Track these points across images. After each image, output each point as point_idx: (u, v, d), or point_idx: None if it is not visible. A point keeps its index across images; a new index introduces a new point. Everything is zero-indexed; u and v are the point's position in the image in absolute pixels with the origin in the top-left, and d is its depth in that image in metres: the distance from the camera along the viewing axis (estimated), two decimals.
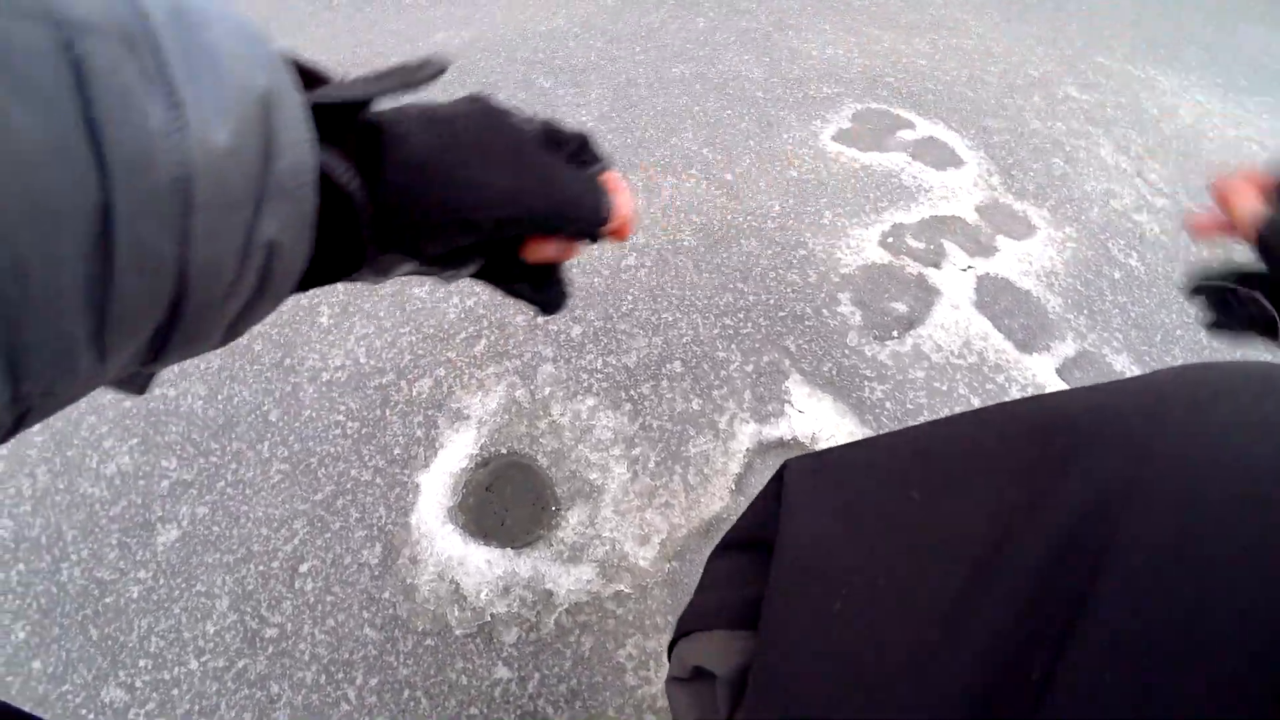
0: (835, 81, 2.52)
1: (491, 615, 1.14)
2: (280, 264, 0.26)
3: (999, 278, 1.76)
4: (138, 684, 1.14)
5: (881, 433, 0.55)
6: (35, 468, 1.45)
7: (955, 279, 1.73)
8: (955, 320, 1.63)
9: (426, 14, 3.26)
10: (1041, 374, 1.55)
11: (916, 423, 1.26)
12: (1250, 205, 0.39)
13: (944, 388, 1.49)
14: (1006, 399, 1.48)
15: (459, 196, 0.32)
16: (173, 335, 0.24)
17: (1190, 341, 1.67)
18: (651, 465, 1.31)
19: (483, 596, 1.16)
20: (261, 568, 1.25)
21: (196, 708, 1.11)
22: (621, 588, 1.16)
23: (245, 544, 1.28)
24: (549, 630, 1.12)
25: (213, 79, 0.21)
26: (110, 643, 1.18)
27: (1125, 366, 1.59)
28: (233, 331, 0.27)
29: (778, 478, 0.51)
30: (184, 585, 1.24)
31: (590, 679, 1.07)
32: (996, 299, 1.70)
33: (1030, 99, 2.57)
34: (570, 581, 1.17)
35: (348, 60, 2.90)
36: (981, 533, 0.33)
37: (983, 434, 0.39)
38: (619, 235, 0.39)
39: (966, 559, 0.33)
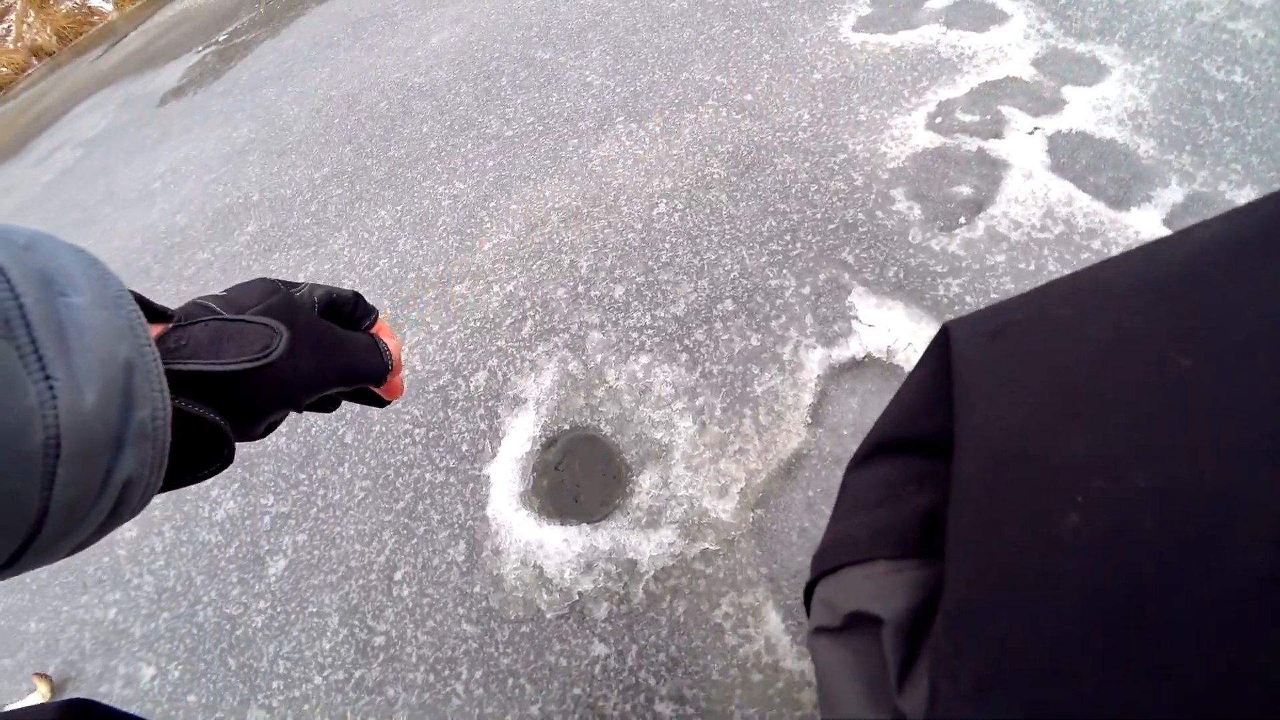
0: None
1: (579, 594, 1.11)
2: (134, 494, 0.30)
3: (1074, 132, 1.54)
4: (274, 704, 1.21)
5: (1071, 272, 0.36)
6: (161, 526, 1.57)
7: (1022, 145, 1.54)
8: (1031, 191, 1.44)
9: (419, 22, 3.26)
10: (1146, 229, 1.35)
11: None
12: None
13: (1031, 267, 1.32)
14: None
15: (282, 399, 0.41)
16: (22, 557, 0.27)
17: None
18: (718, 413, 1.23)
19: (567, 576, 1.13)
20: (361, 582, 1.28)
21: (327, 719, 1.14)
22: (707, 545, 1.09)
23: (344, 562, 1.33)
24: (639, 600, 1.07)
25: (80, 351, 0.26)
26: (247, 670, 1.27)
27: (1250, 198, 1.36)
28: (81, 547, 0.30)
29: (938, 350, 0.38)
30: (298, 609, 1.30)
31: (689, 644, 1.01)
32: (1075, 157, 1.49)
33: None
34: (652, 547, 1.11)
35: (357, 87, 2.94)
36: None
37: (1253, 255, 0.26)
38: (395, 370, 0.49)
39: None
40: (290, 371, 0.40)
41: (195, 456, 0.38)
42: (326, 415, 1.68)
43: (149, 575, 1.49)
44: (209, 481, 1.61)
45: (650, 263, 1.51)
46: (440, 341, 1.61)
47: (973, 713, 0.26)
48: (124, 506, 0.30)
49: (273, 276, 0.44)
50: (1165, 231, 1.34)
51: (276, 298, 0.42)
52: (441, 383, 1.52)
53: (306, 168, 2.61)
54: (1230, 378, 0.25)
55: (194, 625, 1.39)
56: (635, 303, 1.45)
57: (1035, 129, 1.56)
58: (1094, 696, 0.23)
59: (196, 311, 0.39)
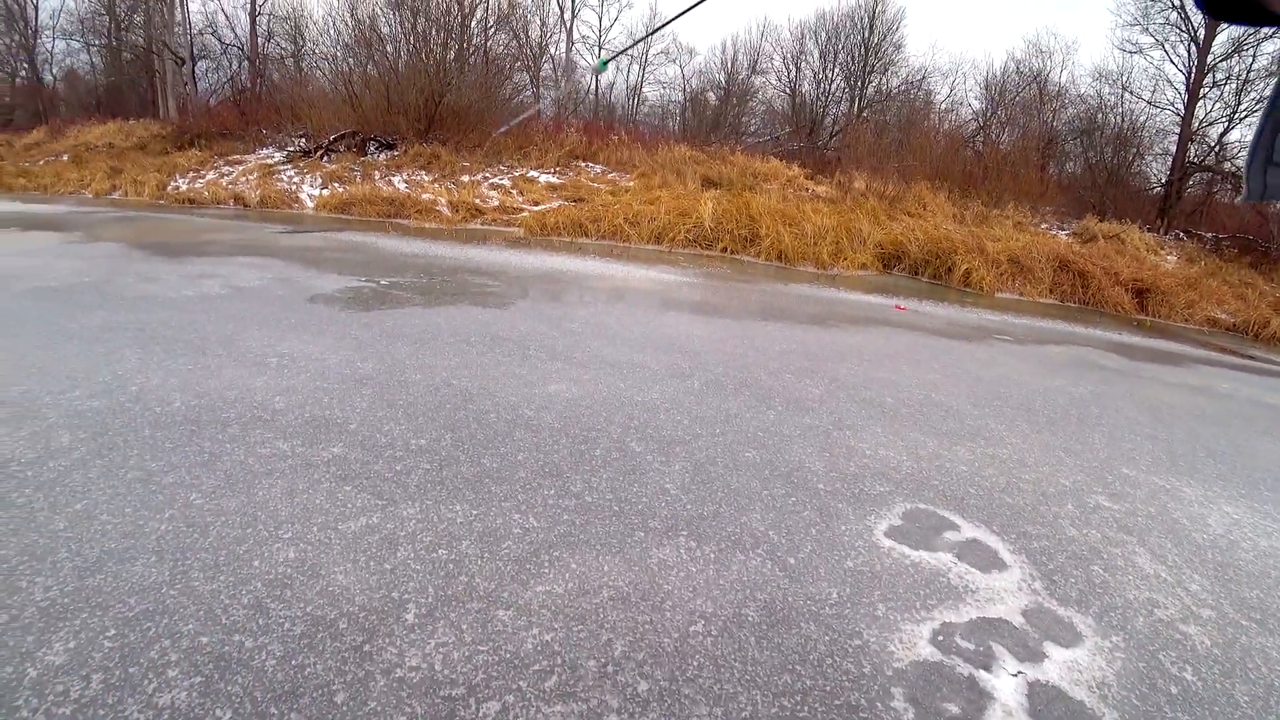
0: (886, 480, 2.89)
1: None
2: None
3: (1050, 685, 1.79)
4: None
5: None
6: (93, 673, 1.50)
7: (1006, 683, 1.78)
8: None
9: (544, 366, 4.00)
10: None
11: None
12: None
13: None
14: None
15: None
16: None
17: None
18: None
19: None
20: None
21: None
22: None
23: None
24: None
25: None
26: None
27: None
28: None
29: None
30: None
31: None
32: (1050, 708, 1.71)
33: (1064, 506, 2.84)
34: None
35: (475, 389, 3.48)
36: None
37: None
38: None
39: None
40: None
41: None
42: (326, 663, 1.62)
43: (44, 717, 1.37)
44: (172, 658, 1.51)
45: (676, 672, 1.72)
46: (467, 654, 1.71)
47: None
48: None
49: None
50: None
51: None
52: (454, 693, 1.58)
53: (406, 430, 2.92)
54: None
55: None
56: (655, 704, 1.61)
57: (1019, 672, 1.83)
58: None
59: None
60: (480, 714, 1.55)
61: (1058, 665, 1.88)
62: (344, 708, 1.52)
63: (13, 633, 1.60)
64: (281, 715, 1.47)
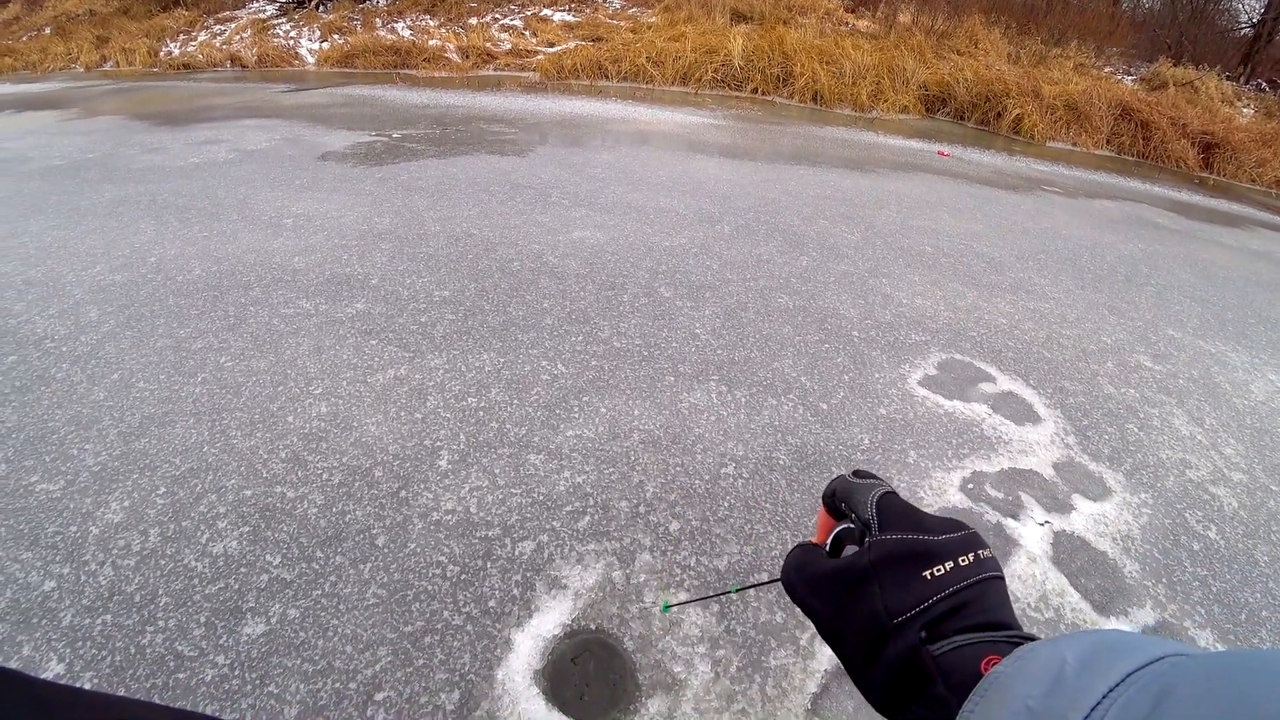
0: (923, 330, 2.80)
1: None
2: None
3: (1075, 536, 1.82)
4: None
5: None
6: (150, 528, 1.60)
7: (1032, 532, 1.81)
8: (1033, 573, 1.69)
9: (568, 212, 3.83)
10: None
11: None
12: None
13: None
14: None
15: None
16: None
17: (1278, 624, 1.65)
18: (733, 670, 1.39)
19: None
20: (337, 685, 1.28)
21: None
22: None
23: (327, 657, 1.33)
24: None
25: None
26: None
27: (1209, 644, 1.57)
28: None
29: None
30: (258, 682, 1.27)
31: None
32: (1073, 557, 1.75)
33: (1104, 364, 2.75)
34: None
35: (498, 238, 3.37)
36: None
37: None
38: None
39: None
40: None
41: None
42: (366, 509, 1.73)
43: (111, 569, 1.48)
44: (220, 511, 1.66)
45: (708, 513, 1.75)
46: (500, 496, 1.76)
47: None
48: None
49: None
50: None
51: None
52: (490, 534, 1.64)
53: (430, 282, 2.86)
54: None
55: (134, 645, 1.32)
56: (686, 542, 1.66)
57: (1045, 522, 1.85)
58: None
59: None
60: (516, 553, 1.61)
61: (1084, 517, 1.89)
62: (385, 550, 1.58)
63: (72, 496, 1.69)
64: (327, 559, 1.55)
